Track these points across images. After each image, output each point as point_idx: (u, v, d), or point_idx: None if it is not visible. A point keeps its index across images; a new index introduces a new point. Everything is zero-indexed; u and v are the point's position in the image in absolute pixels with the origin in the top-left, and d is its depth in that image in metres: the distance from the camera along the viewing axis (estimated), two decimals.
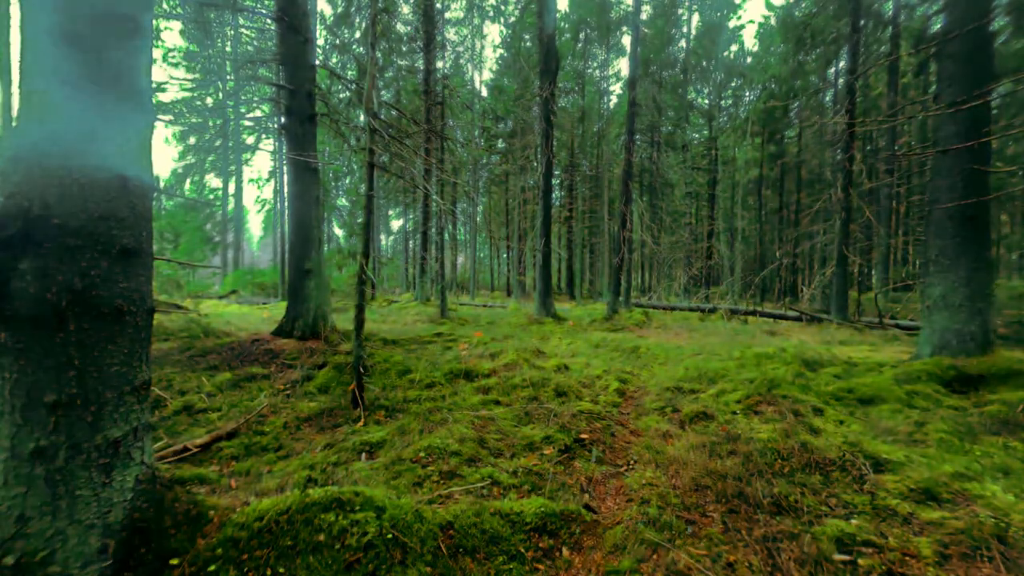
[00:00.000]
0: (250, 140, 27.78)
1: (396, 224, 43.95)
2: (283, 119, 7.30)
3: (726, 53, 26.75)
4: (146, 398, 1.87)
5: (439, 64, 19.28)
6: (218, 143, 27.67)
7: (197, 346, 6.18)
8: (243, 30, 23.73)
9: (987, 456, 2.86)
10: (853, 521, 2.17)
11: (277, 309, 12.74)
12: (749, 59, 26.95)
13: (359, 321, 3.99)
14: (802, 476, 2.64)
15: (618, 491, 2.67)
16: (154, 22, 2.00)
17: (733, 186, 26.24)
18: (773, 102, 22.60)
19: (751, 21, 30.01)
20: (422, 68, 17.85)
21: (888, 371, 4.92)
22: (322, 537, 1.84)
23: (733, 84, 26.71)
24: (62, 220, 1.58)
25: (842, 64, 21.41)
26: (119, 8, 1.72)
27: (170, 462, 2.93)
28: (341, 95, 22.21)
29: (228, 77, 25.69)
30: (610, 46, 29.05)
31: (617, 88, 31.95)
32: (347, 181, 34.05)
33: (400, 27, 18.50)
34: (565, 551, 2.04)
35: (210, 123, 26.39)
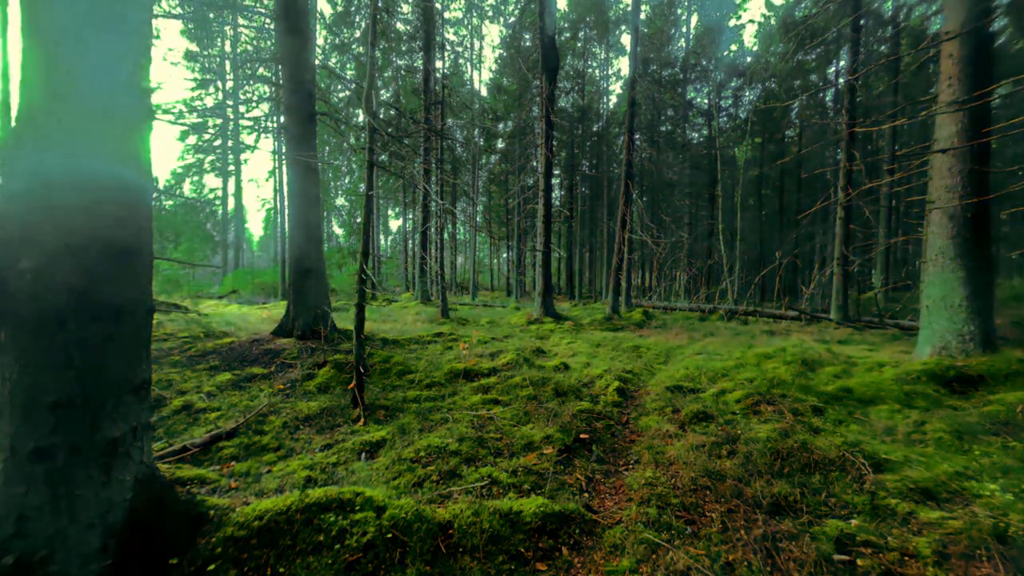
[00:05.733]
0: (249, 140, 27.77)
1: (396, 224, 44.02)
2: (282, 118, 7.30)
3: (726, 53, 26.75)
4: (146, 398, 1.87)
5: (438, 64, 19.28)
6: (217, 143, 27.65)
7: (197, 346, 6.18)
8: (243, 29, 23.72)
9: (986, 456, 2.86)
10: (852, 521, 2.17)
11: (277, 309, 12.73)
12: (749, 59, 26.95)
13: (359, 320, 3.98)
14: (801, 476, 2.64)
15: (618, 491, 2.67)
16: (154, 22, 1.99)
17: (733, 186, 26.25)
18: (773, 102, 22.60)
19: (751, 21, 29.98)
20: (421, 68, 17.84)
21: (888, 371, 4.91)
22: (322, 537, 1.84)
23: (733, 84, 26.70)
24: (62, 220, 1.58)
25: (842, 64, 21.43)
26: (118, 8, 1.72)
27: (170, 462, 2.93)
28: (341, 94, 22.24)
29: (228, 77, 25.69)
30: (610, 45, 29.07)
31: (617, 87, 31.99)
32: (346, 180, 34.10)
33: (400, 26, 18.51)
34: (565, 551, 2.04)
35: (210, 123, 26.38)
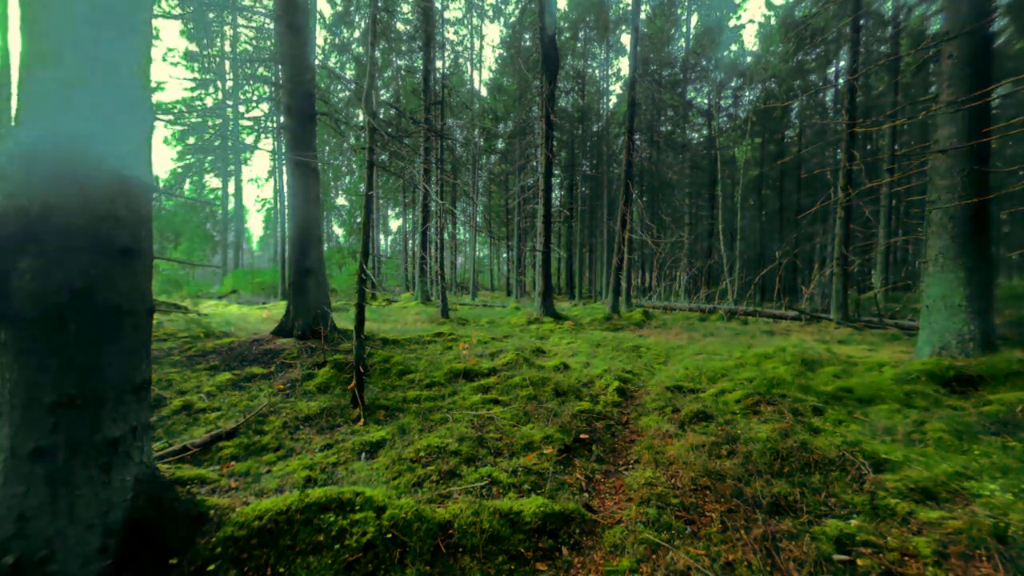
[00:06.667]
0: (249, 140, 27.77)
1: (396, 224, 44.03)
2: (282, 118, 7.30)
3: (726, 52, 26.76)
4: (146, 398, 1.87)
5: (438, 64, 19.28)
6: (217, 143, 27.65)
7: (197, 346, 6.18)
8: (242, 29, 23.72)
9: (986, 456, 2.86)
10: (852, 521, 2.17)
11: (277, 309, 12.74)
12: (749, 59, 26.96)
13: (359, 320, 3.98)
14: (801, 476, 2.64)
15: (618, 491, 2.67)
16: (153, 22, 1.99)
17: (733, 186, 26.25)
18: (773, 102, 22.61)
19: (751, 21, 30.08)
20: (421, 68, 17.85)
21: (888, 371, 4.92)
22: (322, 537, 1.84)
23: (733, 84, 26.71)
24: (62, 220, 1.58)
25: (842, 64, 21.44)
26: (118, 8, 1.72)
27: (170, 462, 2.93)
28: (341, 94, 22.24)
29: (227, 77, 25.68)
30: (610, 45, 29.06)
31: (617, 88, 31.99)
32: (346, 180, 34.11)
33: (400, 26, 18.51)
34: (565, 551, 2.04)
35: (209, 123, 26.38)
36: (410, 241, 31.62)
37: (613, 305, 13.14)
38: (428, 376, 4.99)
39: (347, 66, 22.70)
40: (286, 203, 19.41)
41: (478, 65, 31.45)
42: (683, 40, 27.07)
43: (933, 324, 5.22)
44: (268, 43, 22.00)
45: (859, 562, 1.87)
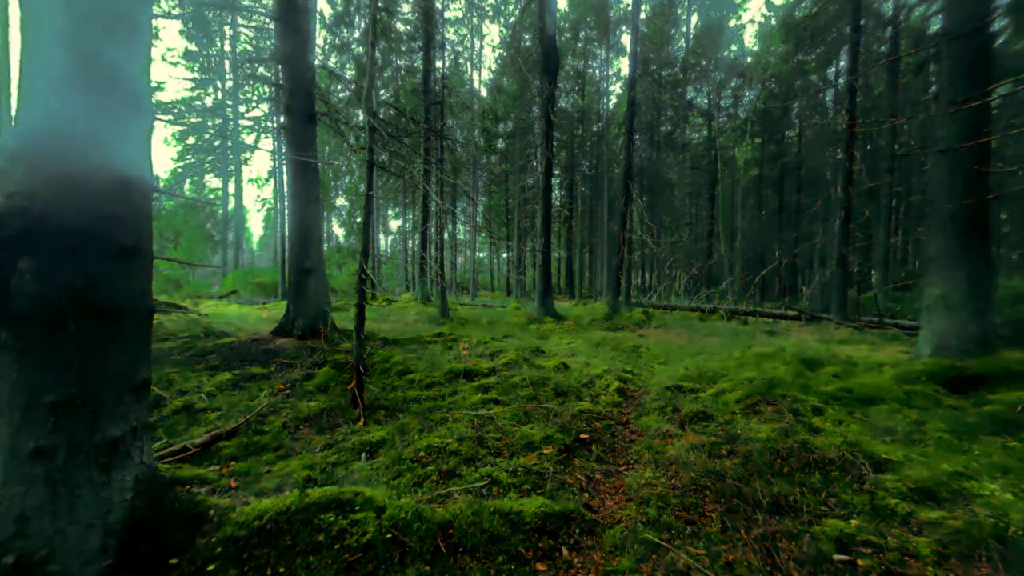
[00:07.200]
0: (249, 140, 27.76)
1: (396, 224, 44.02)
2: (282, 119, 7.30)
3: (726, 53, 26.76)
4: (145, 398, 1.87)
5: (438, 64, 19.27)
6: (217, 143, 27.64)
7: (197, 346, 6.18)
8: (242, 29, 23.74)
9: (986, 456, 2.85)
10: (852, 521, 2.17)
11: (277, 309, 12.73)
12: (749, 59, 26.96)
13: (359, 320, 3.98)
14: (801, 476, 2.64)
15: (618, 491, 2.67)
16: (153, 22, 1.99)
17: (733, 186, 26.25)
18: (773, 102, 22.60)
19: (751, 21, 30.11)
20: (421, 68, 17.84)
21: (888, 371, 4.91)
22: (322, 537, 1.84)
23: (733, 84, 26.71)
24: (62, 220, 1.58)
25: (842, 64, 21.42)
26: (118, 8, 1.72)
27: (170, 462, 2.93)
28: (341, 94, 22.22)
29: (227, 77, 25.69)
30: (610, 46, 29.05)
31: (617, 88, 31.98)
32: (346, 180, 34.09)
33: (400, 26, 18.49)
34: (565, 551, 2.04)
35: (209, 123, 26.37)
36: (410, 241, 31.62)
37: (613, 305, 13.14)
38: (428, 376, 4.99)
39: (347, 66, 22.68)
40: (286, 203, 19.40)
41: (478, 65, 31.45)
42: (683, 40, 27.08)
43: (933, 324, 5.21)
44: (268, 43, 22.02)
45: (859, 562, 1.87)
